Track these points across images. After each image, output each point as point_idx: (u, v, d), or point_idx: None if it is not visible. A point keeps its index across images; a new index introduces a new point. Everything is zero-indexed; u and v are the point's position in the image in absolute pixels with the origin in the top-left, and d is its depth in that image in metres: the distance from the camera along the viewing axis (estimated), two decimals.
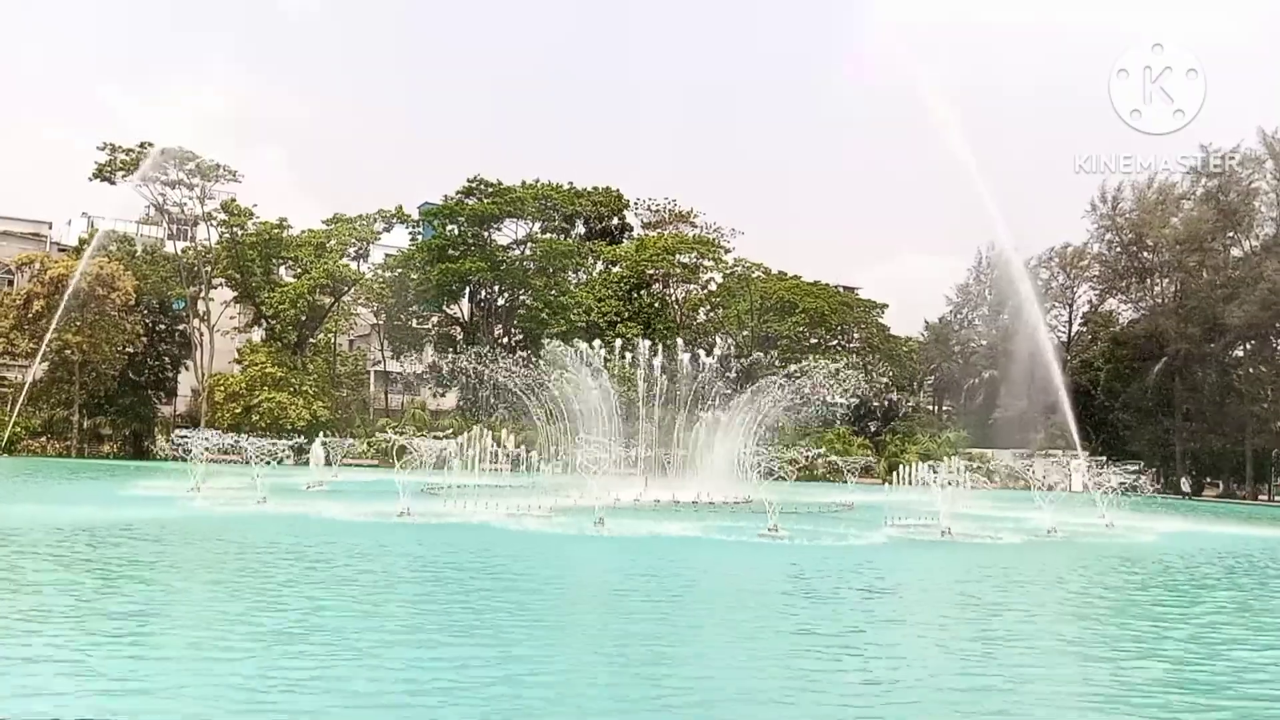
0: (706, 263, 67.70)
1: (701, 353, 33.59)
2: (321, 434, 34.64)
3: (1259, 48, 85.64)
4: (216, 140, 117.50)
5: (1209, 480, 64.82)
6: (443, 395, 65.65)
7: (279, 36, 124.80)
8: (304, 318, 57.17)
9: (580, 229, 71.35)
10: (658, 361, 32.08)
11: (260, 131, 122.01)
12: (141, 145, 52.46)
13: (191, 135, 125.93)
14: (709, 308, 69.66)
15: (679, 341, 36.04)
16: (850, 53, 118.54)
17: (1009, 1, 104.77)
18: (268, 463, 23.49)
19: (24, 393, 48.39)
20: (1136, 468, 23.74)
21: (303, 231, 57.13)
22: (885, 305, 78.11)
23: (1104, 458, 29.73)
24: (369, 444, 47.08)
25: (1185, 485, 59.94)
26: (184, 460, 25.65)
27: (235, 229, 54.70)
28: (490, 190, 59.65)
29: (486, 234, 61.24)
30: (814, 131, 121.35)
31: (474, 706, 6.09)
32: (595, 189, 68.53)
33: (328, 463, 34.85)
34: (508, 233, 62.78)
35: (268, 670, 6.69)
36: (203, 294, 57.17)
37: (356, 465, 44.58)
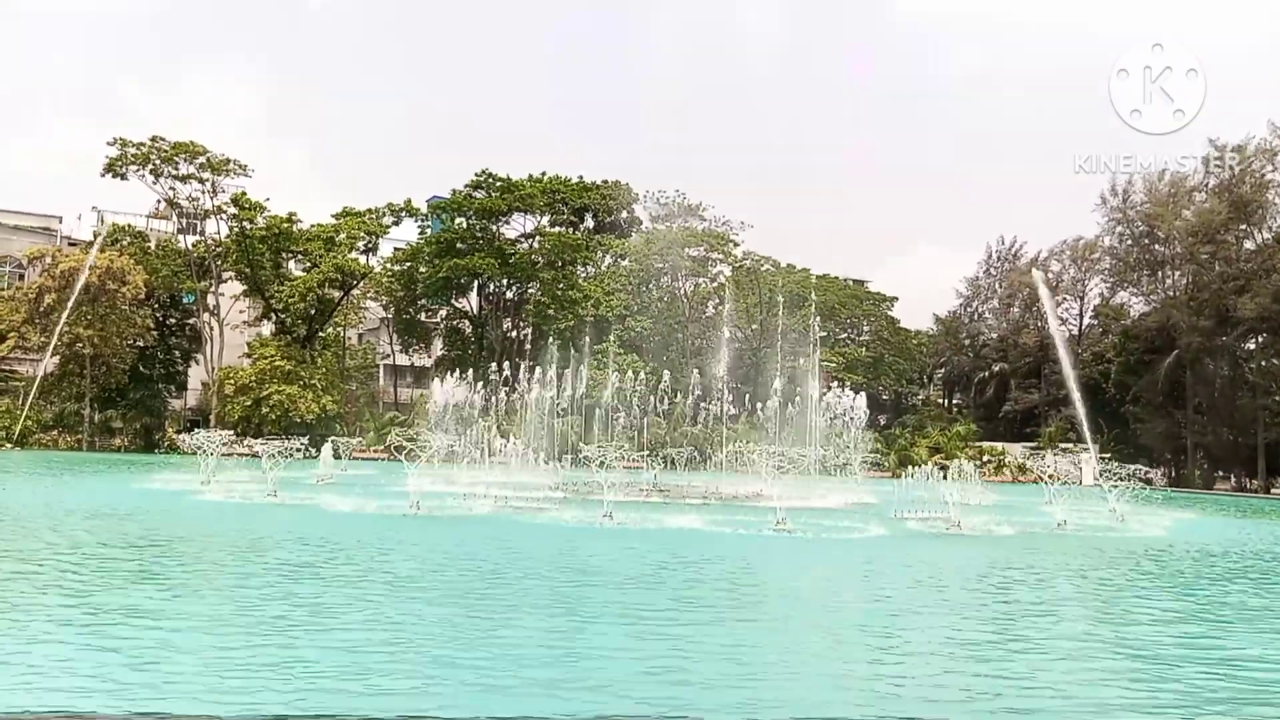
0: (715, 256, 67.60)
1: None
2: (331, 438, 34.85)
3: (1271, 46, 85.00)
4: (235, 135, 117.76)
5: (1220, 474, 64.52)
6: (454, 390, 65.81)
7: (299, 30, 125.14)
8: (313, 311, 57.38)
9: (589, 222, 71.28)
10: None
11: (280, 125, 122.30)
12: (153, 139, 52.41)
13: (210, 130, 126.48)
14: (718, 301, 69.56)
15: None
16: (864, 43, 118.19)
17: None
18: (284, 457, 23.45)
19: (35, 386, 48.60)
20: (1144, 468, 23.49)
21: (312, 225, 57.29)
22: (895, 298, 78.11)
23: (1106, 455, 29.43)
24: (377, 434, 47.26)
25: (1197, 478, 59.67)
26: (194, 454, 25.72)
27: (245, 223, 54.81)
28: (499, 184, 59.72)
29: (495, 228, 61.31)
30: (828, 123, 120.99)
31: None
32: (604, 182, 68.36)
33: (336, 457, 34.92)
34: (516, 226, 62.87)
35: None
36: (213, 288, 57.32)
37: (365, 459, 44.74)
